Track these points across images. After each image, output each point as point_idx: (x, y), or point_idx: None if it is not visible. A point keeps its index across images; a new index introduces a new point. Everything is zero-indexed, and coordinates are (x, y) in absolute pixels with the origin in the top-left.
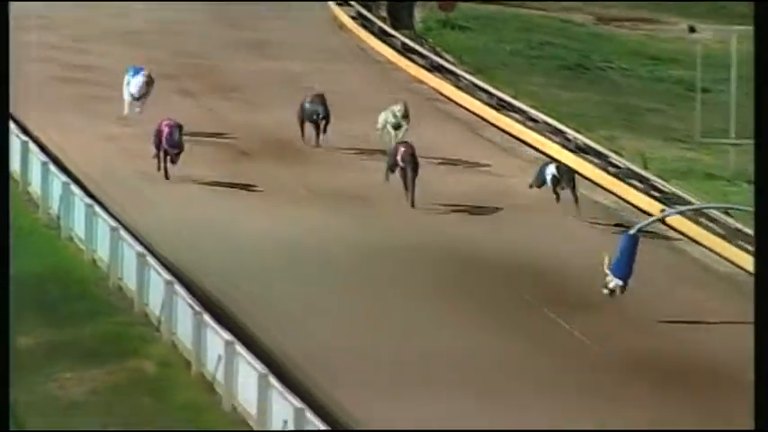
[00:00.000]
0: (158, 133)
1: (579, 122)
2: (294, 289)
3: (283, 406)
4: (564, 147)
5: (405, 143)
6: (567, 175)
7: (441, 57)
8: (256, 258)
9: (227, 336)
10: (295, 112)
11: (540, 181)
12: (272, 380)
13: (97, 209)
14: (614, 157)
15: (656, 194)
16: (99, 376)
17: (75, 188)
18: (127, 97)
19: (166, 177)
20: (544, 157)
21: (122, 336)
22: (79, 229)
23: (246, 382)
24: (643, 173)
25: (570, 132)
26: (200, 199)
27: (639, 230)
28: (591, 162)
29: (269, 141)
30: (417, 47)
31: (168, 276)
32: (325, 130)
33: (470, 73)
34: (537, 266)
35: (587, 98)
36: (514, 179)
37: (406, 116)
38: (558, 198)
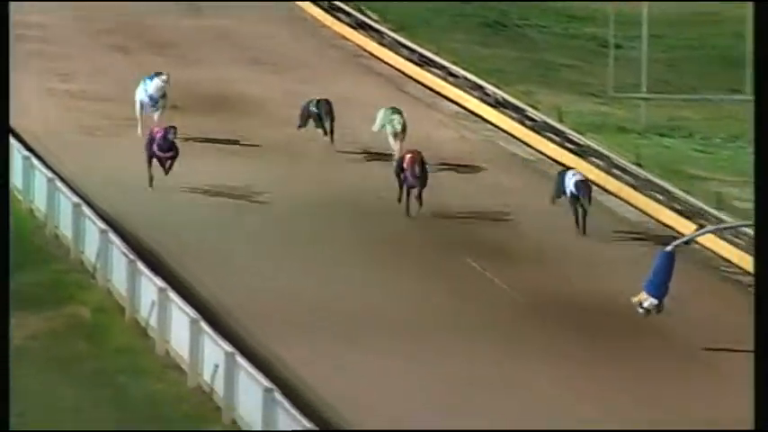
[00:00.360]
0: (150, 140)
1: (498, 78)
2: (226, 239)
3: (214, 350)
4: (483, 101)
5: (413, 151)
6: (585, 188)
7: (365, 15)
8: (189, 209)
9: (160, 283)
10: (226, 67)
11: (560, 192)
12: (204, 325)
13: (34, 161)
14: (531, 111)
15: (572, 147)
16: (37, 322)
17: (12, 140)
18: (143, 101)
19: (150, 185)
20: (464, 111)
21: (59, 283)
22: (17, 180)
23: (179, 327)
24: (559, 126)
25: (489, 87)
26: (135, 152)
27: (676, 248)
28: (509, 116)
29: (202, 96)
30: (342, 5)
31: (103, 225)
32: (332, 134)
33: (394, 30)
34: (460, 215)
35: (505, 54)
36: (437, 132)
37: (403, 128)
38: (577, 219)
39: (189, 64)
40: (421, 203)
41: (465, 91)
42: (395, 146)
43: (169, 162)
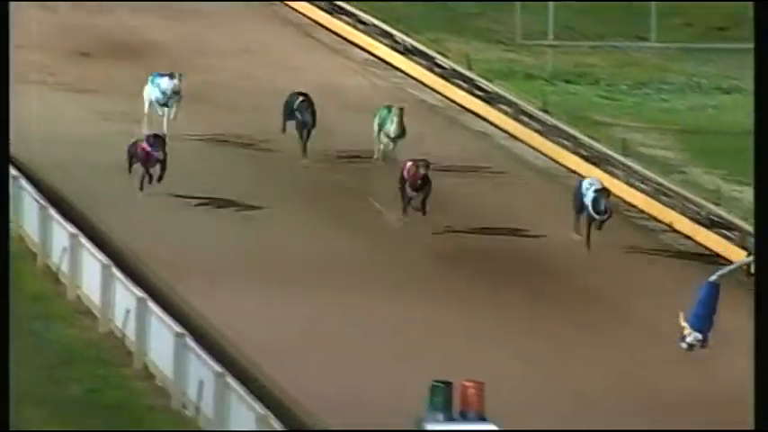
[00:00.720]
0: (136, 148)
1: (407, 25)
2: (135, 186)
3: (126, 296)
4: (392, 48)
5: (420, 160)
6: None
7: None
8: (98, 155)
9: (71, 229)
10: (137, 14)
11: (579, 204)
12: (115, 271)
13: None
14: (440, 59)
15: (480, 94)
16: None
17: None
18: (153, 99)
19: (141, 188)
20: (374, 58)
21: None
22: None
23: (90, 273)
24: (467, 73)
25: (398, 35)
26: (44, 98)
27: (721, 277)
28: (418, 63)
29: (112, 43)
30: None
31: (14, 172)
32: (309, 135)
33: None
34: (367, 160)
35: (415, 2)
36: (346, 79)
37: (401, 128)
38: (595, 227)
39: (100, 11)
40: (424, 212)
41: (374, 38)
42: (390, 145)
43: (151, 176)
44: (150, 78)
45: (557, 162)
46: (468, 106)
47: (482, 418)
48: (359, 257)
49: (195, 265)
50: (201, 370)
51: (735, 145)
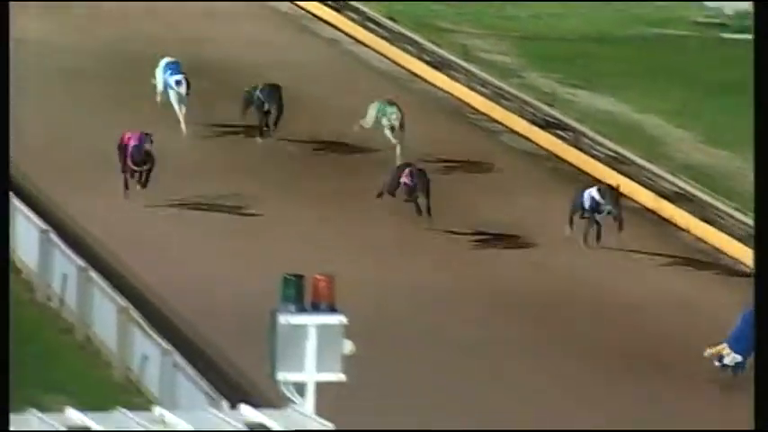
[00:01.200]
0: (123, 148)
1: None
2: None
3: (29, 227)
4: None
5: (411, 165)
6: (610, 196)
7: None
8: None
9: None
10: None
11: (578, 207)
12: (18, 203)
13: None
14: None
15: (330, 3)
16: None
17: None
18: (174, 101)
19: (126, 196)
20: None
21: None
22: None
23: None
24: None
25: None
26: None
27: None
28: None
29: None
30: None
31: None
32: (276, 125)
33: None
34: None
35: None
36: None
37: (401, 122)
38: (598, 233)
39: None
40: (429, 212)
41: None
42: (392, 141)
43: (145, 175)
44: (163, 66)
45: (401, 66)
46: (317, 14)
47: (333, 309)
48: (220, 160)
49: (60, 162)
50: (65, 264)
51: (570, 50)
